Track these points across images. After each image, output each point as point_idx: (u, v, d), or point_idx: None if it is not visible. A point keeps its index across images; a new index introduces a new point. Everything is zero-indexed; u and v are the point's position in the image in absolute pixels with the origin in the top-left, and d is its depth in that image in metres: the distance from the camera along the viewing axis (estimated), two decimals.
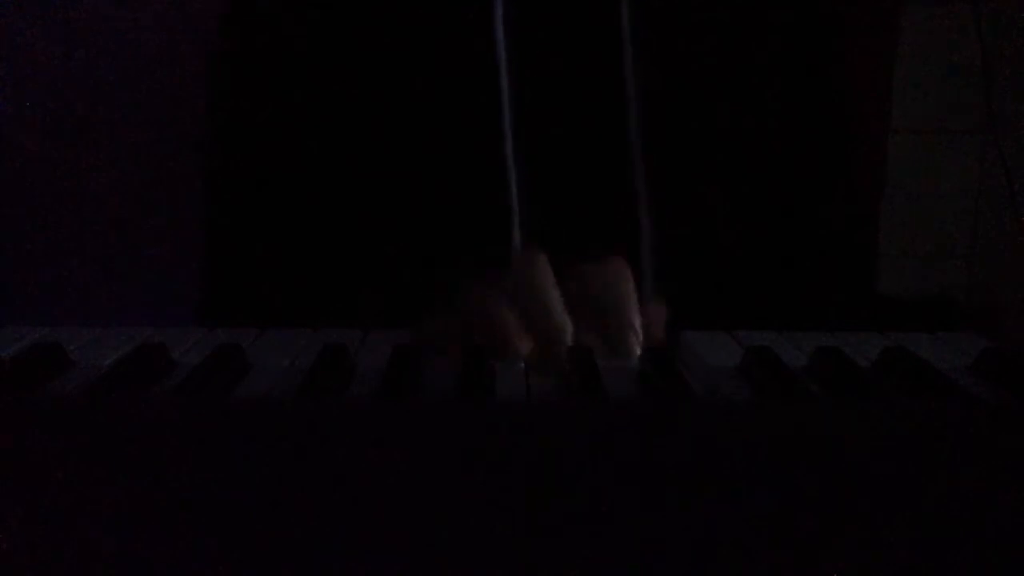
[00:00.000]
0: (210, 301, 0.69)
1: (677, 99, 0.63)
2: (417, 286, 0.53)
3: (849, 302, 0.67)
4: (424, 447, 0.32)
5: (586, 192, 0.63)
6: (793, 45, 0.66)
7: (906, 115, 0.81)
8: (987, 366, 0.45)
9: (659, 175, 0.63)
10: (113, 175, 0.94)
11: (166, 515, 0.27)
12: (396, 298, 0.55)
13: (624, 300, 0.47)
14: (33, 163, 0.94)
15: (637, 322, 0.47)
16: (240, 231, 0.68)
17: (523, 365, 0.45)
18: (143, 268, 0.95)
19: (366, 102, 0.64)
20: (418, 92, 0.63)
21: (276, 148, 0.66)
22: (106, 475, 0.30)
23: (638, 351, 0.46)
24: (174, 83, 0.92)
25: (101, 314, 0.95)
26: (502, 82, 0.62)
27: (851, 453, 0.32)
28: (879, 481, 0.30)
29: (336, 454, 0.31)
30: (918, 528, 0.27)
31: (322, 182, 0.65)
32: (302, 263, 0.65)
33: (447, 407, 0.37)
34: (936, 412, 0.36)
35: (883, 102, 0.71)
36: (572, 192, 0.63)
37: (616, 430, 0.34)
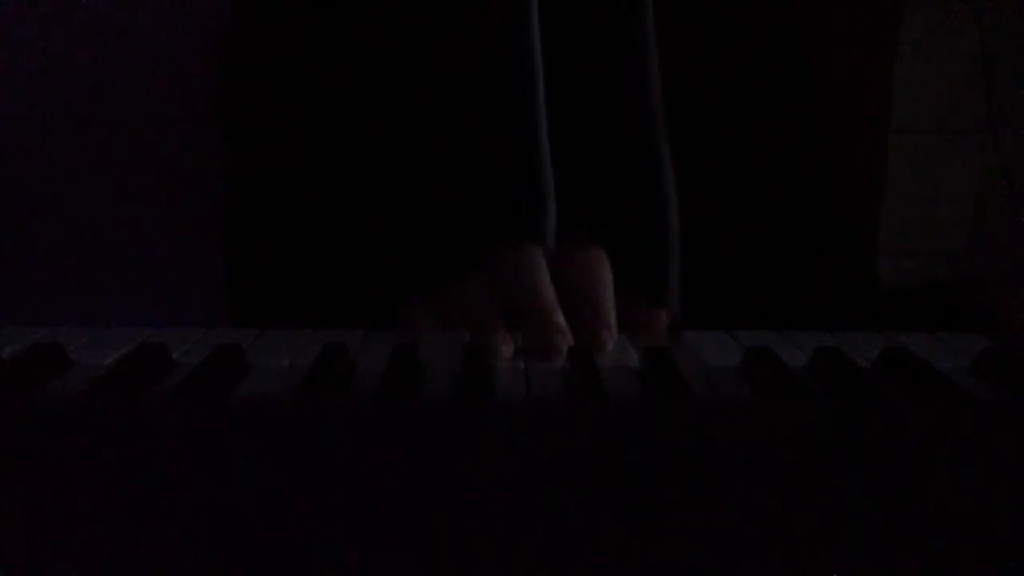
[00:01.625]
0: (225, 301, 0.69)
1: (677, 100, 0.63)
2: (416, 285, 0.53)
3: (849, 302, 0.67)
4: (424, 447, 0.32)
5: (598, 193, 0.63)
6: (795, 46, 0.66)
7: (906, 115, 0.81)
8: (987, 366, 0.45)
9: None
10: (114, 175, 0.94)
11: (166, 515, 0.27)
12: (397, 298, 0.55)
13: (599, 293, 0.47)
14: (33, 163, 0.94)
15: (611, 316, 0.46)
16: (254, 231, 0.67)
17: (522, 365, 0.46)
18: (144, 268, 0.95)
19: (371, 101, 0.64)
20: (424, 92, 0.63)
21: (283, 147, 0.66)
22: (106, 475, 0.30)
23: (610, 346, 0.46)
24: (175, 83, 0.92)
25: (101, 314, 0.95)
26: (520, 83, 0.61)
27: (851, 453, 0.32)
28: (879, 481, 0.30)
29: (336, 454, 0.31)
30: (918, 528, 0.27)
31: (329, 182, 0.65)
32: (309, 263, 0.65)
33: (447, 407, 0.37)
34: (936, 412, 0.36)
35: (883, 102, 0.71)
36: (582, 194, 0.63)
37: (616, 430, 0.34)
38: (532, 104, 0.61)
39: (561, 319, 0.45)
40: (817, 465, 0.31)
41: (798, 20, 0.66)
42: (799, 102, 0.66)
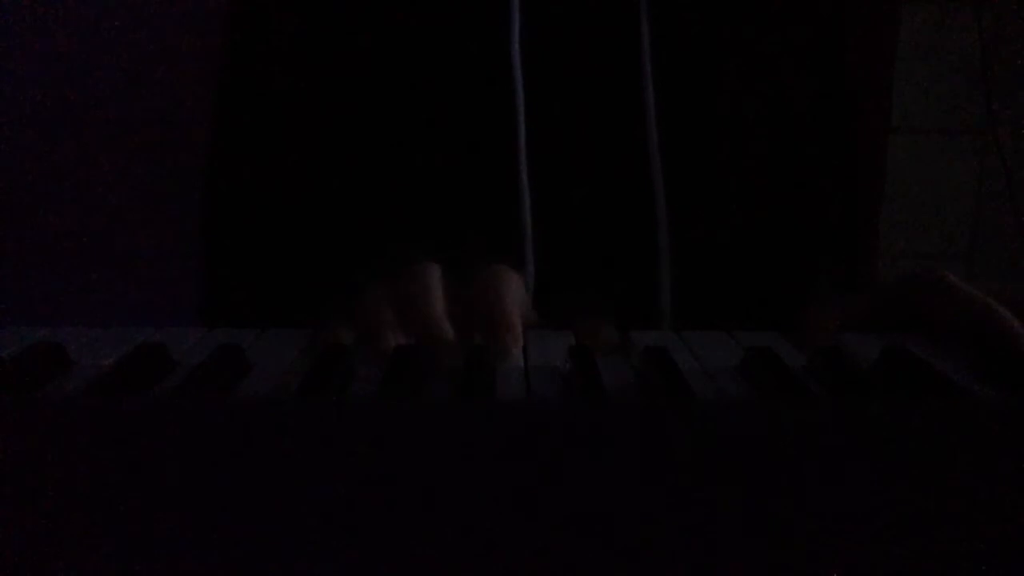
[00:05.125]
0: (212, 302, 0.69)
1: (676, 99, 0.63)
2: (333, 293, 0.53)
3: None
4: (424, 447, 0.32)
5: (601, 198, 0.63)
6: (798, 49, 0.66)
7: (906, 115, 0.81)
8: (986, 366, 0.45)
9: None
10: (112, 175, 0.94)
11: (166, 515, 0.27)
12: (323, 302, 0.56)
13: (501, 302, 0.48)
14: (33, 163, 0.94)
15: (516, 322, 0.47)
16: (242, 231, 0.68)
17: (523, 364, 0.46)
18: (143, 268, 0.95)
19: (369, 104, 0.64)
20: (421, 95, 0.63)
21: (281, 149, 0.66)
22: (106, 475, 0.30)
23: (516, 352, 0.47)
24: (174, 83, 0.92)
25: (101, 314, 0.95)
26: (515, 87, 0.62)
27: (851, 453, 0.32)
28: (879, 481, 0.30)
29: (336, 454, 0.31)
30: (918, 528, 0.27)
31: (325, 183, 0.65)
32: (304, 263, 0.65)
33: (447, 407, 0.37)
34: (936, 412, 0.36)
35: (883, 102, 0.71)
36: (583, 200, 0.63)
37: (616, 430, 0.34)
38: (511, 123, 0.61)
39: (444, 327, 0.46)
40: (817, 465, 0.31)
41: (798, 20, 0.66)
42: (799, 102, 0.66)
